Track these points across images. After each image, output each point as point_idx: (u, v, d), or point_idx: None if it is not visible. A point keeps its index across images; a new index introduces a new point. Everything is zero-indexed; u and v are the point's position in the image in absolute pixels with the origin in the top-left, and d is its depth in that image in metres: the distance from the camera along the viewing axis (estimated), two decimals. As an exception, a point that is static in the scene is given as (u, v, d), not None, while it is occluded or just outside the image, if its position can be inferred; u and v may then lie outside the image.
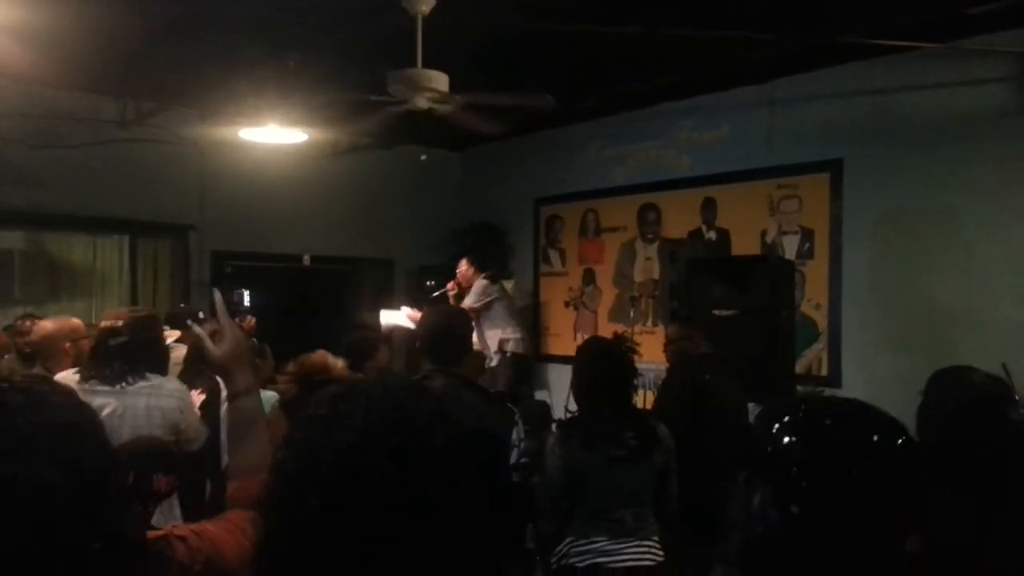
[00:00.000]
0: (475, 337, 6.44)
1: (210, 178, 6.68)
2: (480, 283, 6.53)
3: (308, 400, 2.24)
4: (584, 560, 2.68)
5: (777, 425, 1.17)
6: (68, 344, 3.53)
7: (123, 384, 2.89)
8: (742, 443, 2.67)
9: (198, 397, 3.36)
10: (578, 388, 2.89)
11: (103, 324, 3.20)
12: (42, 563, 0.94)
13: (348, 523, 0.87)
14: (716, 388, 3.73)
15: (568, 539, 2.71)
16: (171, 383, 3.15)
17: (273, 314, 7.47)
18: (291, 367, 2.41)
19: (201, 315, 4.48)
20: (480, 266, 6.65)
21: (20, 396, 1.00)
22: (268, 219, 7.02)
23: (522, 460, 2.67)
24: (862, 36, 4.43)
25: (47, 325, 3.68)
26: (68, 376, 2.99)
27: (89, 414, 1.09)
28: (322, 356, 2.40)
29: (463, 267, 6.63)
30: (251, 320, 5.00)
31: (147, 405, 2.91)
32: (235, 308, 6.61)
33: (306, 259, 7.59)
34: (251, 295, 7.57)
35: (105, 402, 2.81)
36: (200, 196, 6.73)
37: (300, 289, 7.83)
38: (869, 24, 4.51)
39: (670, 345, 4.31)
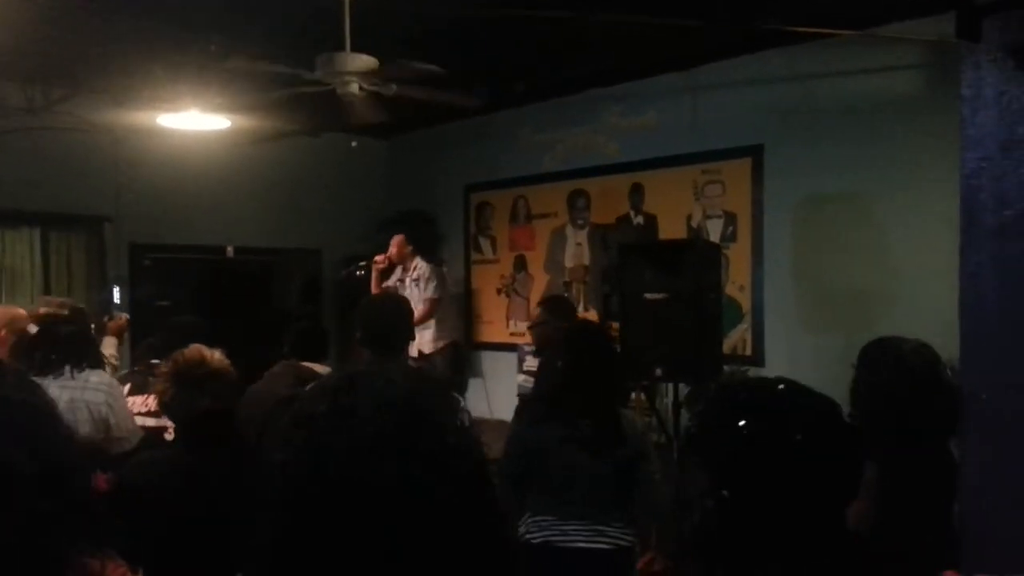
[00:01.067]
0: (432, 330, 6.40)
1: (126, 167, 6.41)
2: (436, 271, 6.47)
3: (187, 398, 2.18)
4: (536, 537, 2.70)
5: (706, 409, 1.19)
6: (4, 332, 3.42)
7: (52, 376, 2.76)
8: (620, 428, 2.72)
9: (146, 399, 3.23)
10: (549, 367, 2.89)
11: (43, 311, 3.06)
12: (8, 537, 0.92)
13: (357, 527, 0.83)
14: None
15: (527, 513, 2.72)
16: (97, 375, 3.02)
17: (196, 309, 7.25)
18: (164, 366, 2.28)
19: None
20: (417, 246, 6.56)
21: None
22: (189, 210, 6.79)
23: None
24: (781, 23, 4.56)
25: None
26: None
27: (43, 395, 1.08)
28: (197, 350, 2.26)
29: (398, 245, 6.47)
30: (123, 318, 4.70)
31: (71, 398, 2.77)
32: (105, 306, 6.35)
33: (229, 250, 7.38)
34: (171, 289, 7.31)
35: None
36: (116, 186, 6.46)
37: (224, 282, 7.60)
38: (788, 11, 4.65)
39: (531, 329, 4.37)
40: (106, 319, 4.61)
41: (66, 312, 3.10)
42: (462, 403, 2.71)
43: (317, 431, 0.89)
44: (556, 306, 4.74)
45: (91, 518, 1.04)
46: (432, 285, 6.38)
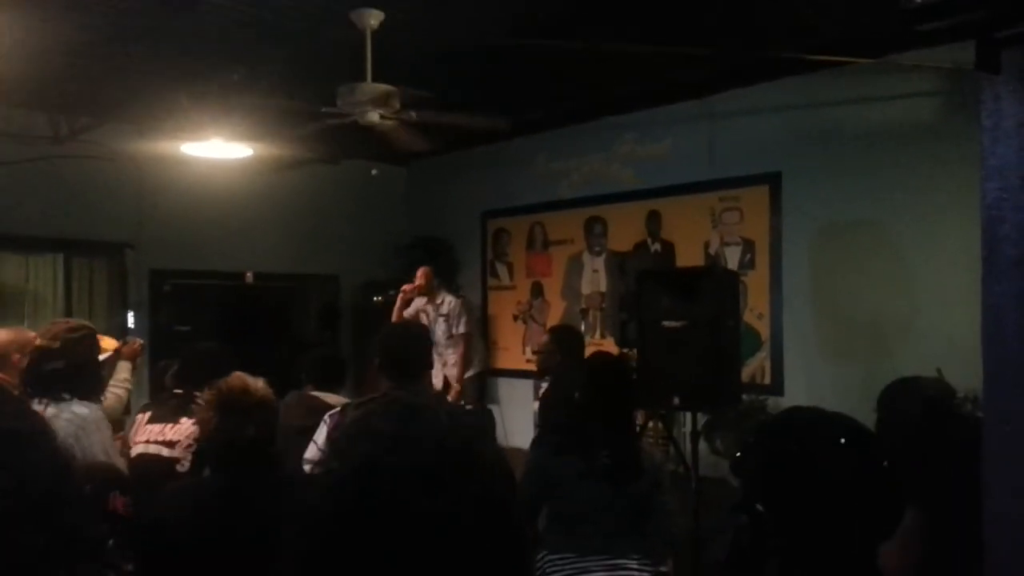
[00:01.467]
0: (456, 361, 6.42)
1: (149, 194, 6.51)
2: (465, 304, 6.54)
3: (232, 427, 2.16)
4: (556, 574, 2.67)
5: (754, 435, 1.20)
6: (17, 356, 3.42)
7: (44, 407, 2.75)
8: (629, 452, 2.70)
9: (190, 427, 3.16)
10: (564, 399, 2.89)
11: (38, 342, 3.00)
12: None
13: (398, 551, 0.82)
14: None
15: (543, 552, 2.69)
16: (76, 406, 2.87)
17: (215, 334, 7.30)
18: (207, 394, 2.24)
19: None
20: (443, 279, 6.65)
21: None
22: (209, 236, 6.88)
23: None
24: (798, 51, 4.58)
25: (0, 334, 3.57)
26: None
27: (40, 423, 1.06)
28: (240, 378, 2.24)
29: (426, 277, 6.48)
30: (136, 342, 4.73)
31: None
32: (120, 331, 6.40)
33: (249, 276, 7.45)
34: (191, 314, 7.37)
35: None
36: (138, 213, 6.55)
37: (243, 307, 7.66)
38: (805, 39, 4.67)
39: (537, 355, 4.38)
40: (120, 344, 4.65)
41: (56, 345, 3.00)
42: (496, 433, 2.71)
43: (380, 449, 0.88)
44: (562, 337, 4.72)
45: (91, 547, 1.03)
46: (463, 320, 6.46)
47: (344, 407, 2.91)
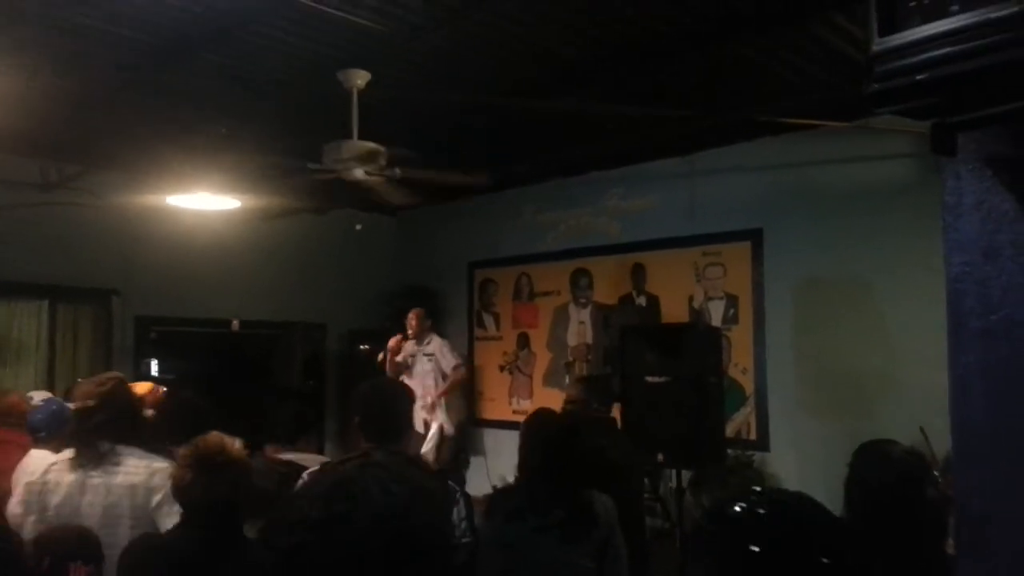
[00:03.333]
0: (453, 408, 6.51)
1: (135, 242, 6.52)
2: (445, 342, 6.61)
3: (204, 485, 2.15)
4: None
5: (712, 508, 1.20)
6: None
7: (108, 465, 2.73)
8: (638, 508, 2.68)
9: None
10: (519, 459, 2.86)
11: (75, 406, 2.99)
12: None
13: None
14: (611, 452, 3.76)
15: None
16: (132, 459, 2.80)
17: (200, 382, 7.25)
18: (183, 451, 2.26)
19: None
20: (433, 320, 6.76)
21: None
22: (196, 283, 6.87)
23: (464, 540, 2.60)
24: (776, 114, 4.68)
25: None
26: (62, 458, 2.82)
27: None
28: (217, 437, 2.26)
29: (418, 318, 6.66)
30: (159, 390, 4.73)
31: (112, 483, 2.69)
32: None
33: (235, 324, 7.42)
34: (176, 363, 7.33)
35: (98, 483, 2.69)
36: (124, 260, 6.55)
37: (229, 355, 7.64)
38: (783, 102, 4.78)
39: (567, 406, 4.36)
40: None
41: (92, 403, 2.98)
42: (457, 493, 2.67)
43: (308, 538, 0.88)
44: (595, 385, 4.70)
45: None
46: (454, 354, 6.64)
47: (323, 465, 2.87)
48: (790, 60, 4.27)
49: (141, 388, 3.87)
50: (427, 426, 6.40)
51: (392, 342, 6.57)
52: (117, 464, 2.75)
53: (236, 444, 2.27)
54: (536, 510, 2.61)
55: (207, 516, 2.15)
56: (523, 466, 2.82)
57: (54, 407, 3.71)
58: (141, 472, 2.72)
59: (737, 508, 1.23)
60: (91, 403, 2.89)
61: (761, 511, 1.22)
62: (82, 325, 6.61)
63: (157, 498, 2.67)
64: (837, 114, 4.77)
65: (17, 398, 4.32)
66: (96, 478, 2.72)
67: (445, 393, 6.57)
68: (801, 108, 4.68)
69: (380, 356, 6.68)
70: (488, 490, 6.67)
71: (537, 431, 2.82)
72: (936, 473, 2.34)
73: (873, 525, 1.90)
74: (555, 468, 2.66)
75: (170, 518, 2.53)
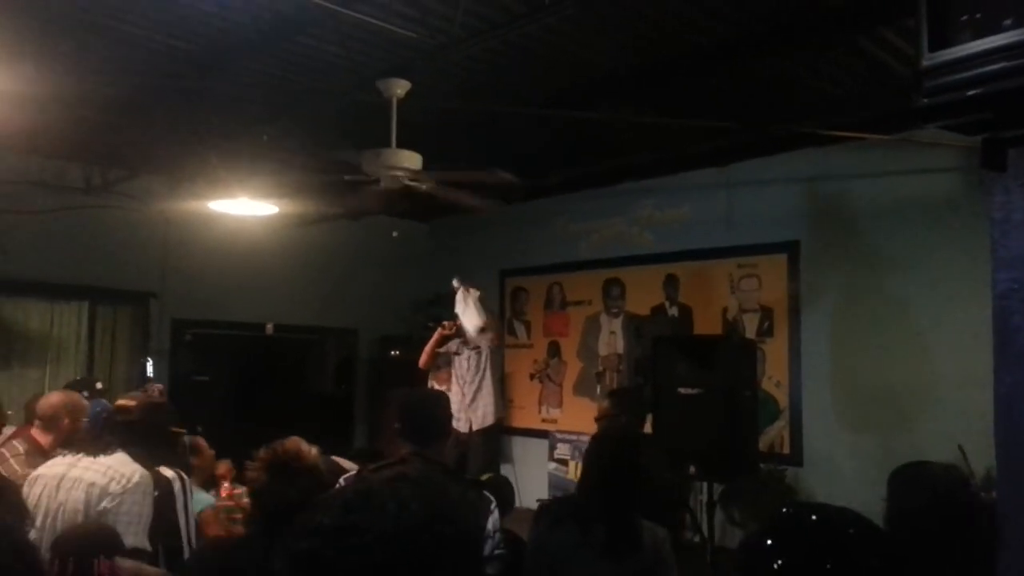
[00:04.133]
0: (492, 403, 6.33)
1: (174, 246, 6.64)
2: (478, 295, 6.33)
3: (278, 490, 2.17)
4: None
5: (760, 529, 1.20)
6: (67, 421, 3.55)
7: (95, 456, 2.77)
8: (670, 522, 2.67)
9: None
10: (582, 471, 2.87)
11: (118, 403, 3.06)
12: None
13: None
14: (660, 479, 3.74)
15: None
16: (119, 464, 2.79)
17: (233, 384, 7.36)
18: (262, 453, 2.28)
19: (99, 386, 4.41)
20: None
21: None
22: (231, 287, 6.97)
23: (497, 551, 2.60)
24: (813, 126, 4.64)
25: (55, 397, 3.72)
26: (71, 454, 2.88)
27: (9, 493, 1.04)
28: (295, 443, 2.28)
29: (457, 325, 6.39)
30: (156, 388, 4.83)
31: (77, 477, 2.69)
32: (140, 378, 6.49)
33: (269, 328, 7.51)
34: (211, 365, 7.43)
35: (75, 476, 2.71)
36: (163, 263, 6.68)
37: (262, 359, 7.73)
38: (824, 114, 4.74)
39: (599, 421, 4.35)
40: (141, 391, 4.76)
41: (133, 403, 3.04)
42: (492, 504, 2.67)
43: (317, 545, 0.88)
44: (623, 399, 4.69)
45: None
46: (485, 315, 6.23)
47: (360, 470, 2.91)
48: (831, 73, 4.24)
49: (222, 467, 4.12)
50: (468, 430, 6.30)
51: (447, 323, 6.30)
52: (96, 462, 2.76)
53: (313, 451, 2.29)
54: (580, 524, 2.60)
55: (276, 522, 2.16)
56: (583, 478, 2.82)
57: (98, 409, 3.80)
58: (105, 473, 2.70)
59: (783, 521, 1.22)
60: (131, 404, 2.95)
61: (810, 522, 1.21)
62: (120, 326, 6.75)
63: (105, 503, 2.64)
64: (877, 127, 4.71)
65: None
66: (76, 471, 2.74)
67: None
68: (841, 121, 4.64)
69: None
70: (516, 500, 6.69)
71: (599, 445, 2.83)
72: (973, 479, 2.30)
73: (920, 550, 1.87)
74: (608, 485, 2.65)
75: (120, 527, 2.52)
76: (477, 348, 6.38)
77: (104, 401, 4.43)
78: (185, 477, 2.96)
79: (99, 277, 6.41)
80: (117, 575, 2.21)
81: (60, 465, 2.81)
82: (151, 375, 6.77)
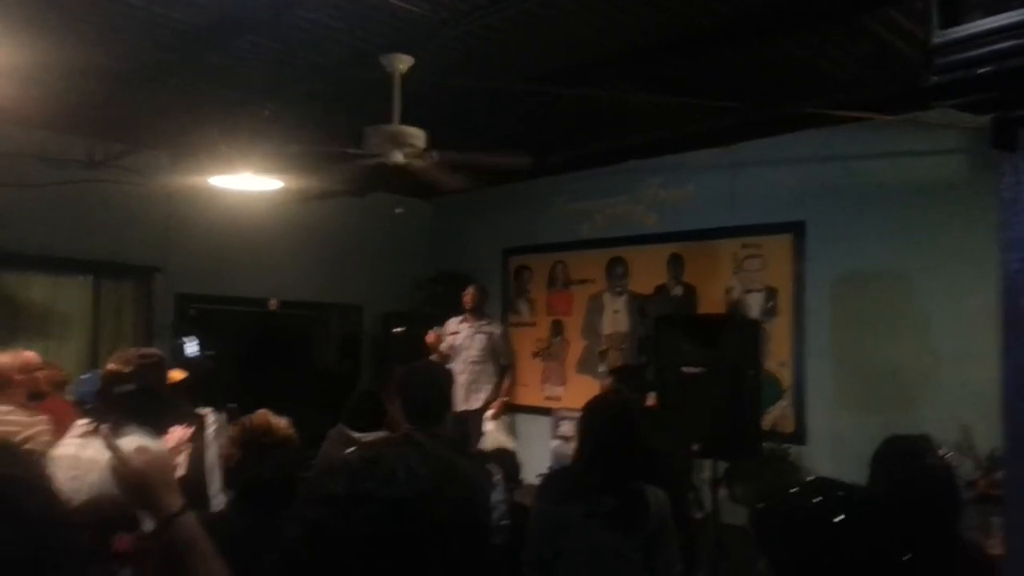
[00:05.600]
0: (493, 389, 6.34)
1: (178, 221, 6.63)
2: (506, 331, 6.54)
3: (253, 464, 2.18)
4: None
5: (783, 508, 1.20)
6: (20, 376, 3.54)
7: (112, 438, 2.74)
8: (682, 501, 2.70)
9: (184, 431, 3.19)
10: (577, 442, 2.86)
11: (109, 367, 2.97)
12: None
13: None
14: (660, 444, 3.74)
15: None
16: (139, 439, 2.78)
17: (236, 359, 7.37)
18: (233, 430, 2.32)
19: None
20: (483, 298, 6.67)
21: None
22: (235, 263, 6.97)
23: (502, 522, 2.62)
24: (818, 107, 4.59)
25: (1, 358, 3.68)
26: (77, 426, 2.86)
27: (36, 468, 1.04)
28: (263, 416, 2.29)
29: (472, 296, 6.57)
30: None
31: (92, 458, 2.61)
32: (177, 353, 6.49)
33: (273, 303, 7.52)
34: (214, 340, 7.44)
35: (88, 458, 2.68)
36: (166, 238, 6.67)
37: (266, 334, 7.74)
38: (828, 94, 4.69)
39: None
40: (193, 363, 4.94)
41: (128, 369, 2.94)
42: (495, 476, 2.69)
43: (327, 514, 0.90)
44: (625, 376, 4.68)
45: None
46: (508, 350, 6.52)
47: (371, 443, 2.92)
48: (837, 55, 4.18)
49: (175, 375, 3.96)
50: (468, 411, 6.31)
51: (431, 336, 6.43)
52: (113, 443, 2.73)
53: (283, 423, 2.30)
54: (587, 495, 2.60)
55: (255, 495, 2.19)
56: (579, 449, 2.81)
57: (88, 380, 3.83)
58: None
59: (791, 497, 1.23)
60: (125, 370, 2.86)
61: (816, 499, 1.22)
62: (125, 301, 6.75)
63: None
64: (884, 108, 4.66)
65: (53, 370, 4.49)
66: (90, 452, 2.69)
67: (501, 405, 6.33)
68: (846, 102, 4.59)
69: (430, 335, 6.50)
70: (521, 475, 6.73)
71: (594, 415, 2.81)
72: (978, 471, 2.32)
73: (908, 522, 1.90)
74: (608, 454, 2.65)
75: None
76: (489, 333, 6.41)
77: (95, 372, 4.42)
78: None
79: (103, 251, 6.41)
80: (136, 550, 2.22)
81: (71, 445, 2.80)
82: (195, 351, 6.70)
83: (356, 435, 3.49)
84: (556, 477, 2.90)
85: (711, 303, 6.13)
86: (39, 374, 3.87)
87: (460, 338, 6.52)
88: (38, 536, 0.92)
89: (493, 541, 2.58)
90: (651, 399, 4.70)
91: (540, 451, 6.98)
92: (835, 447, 5.37)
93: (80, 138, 6.23)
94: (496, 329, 6.42)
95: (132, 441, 2.73)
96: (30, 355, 3.77)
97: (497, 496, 2.62)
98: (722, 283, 6.12)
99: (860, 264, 5.38)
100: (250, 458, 2.20)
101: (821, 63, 4.26)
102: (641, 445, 2.75)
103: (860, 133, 5.14)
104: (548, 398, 7.25)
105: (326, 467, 2.17)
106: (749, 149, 5.86)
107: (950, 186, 4.92)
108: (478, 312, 6.50)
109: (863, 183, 5.35)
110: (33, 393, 3.65)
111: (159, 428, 2.93)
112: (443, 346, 6.51)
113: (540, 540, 2.64)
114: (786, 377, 5.72)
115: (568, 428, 7.05)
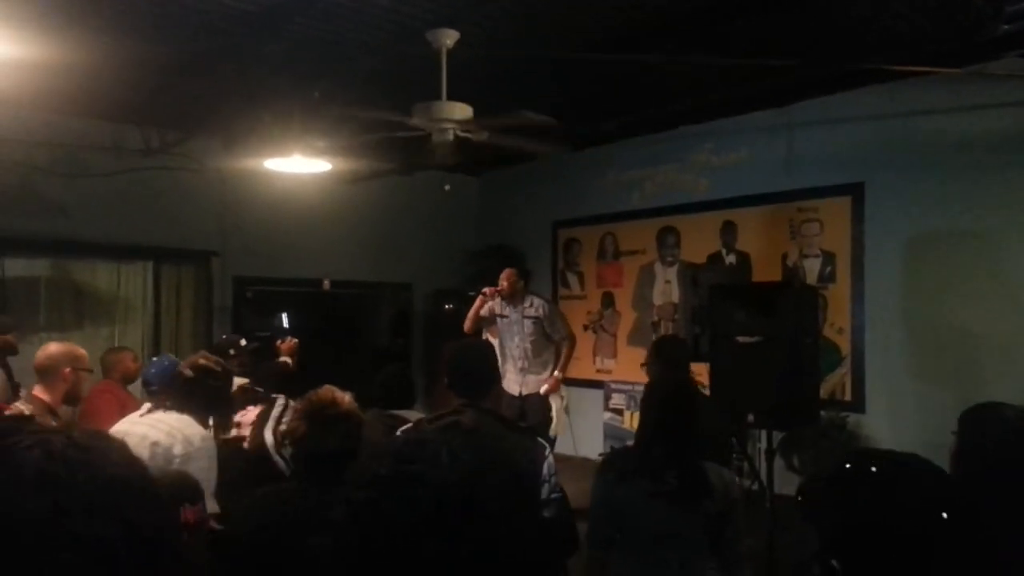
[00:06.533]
0: (554, 362, 6.13)
1: (232, 205, 6.76)
2: (556, 309, 6.13)
3: (317, 436, 2.23)
4: None
5: (828, 477, 1.17)
6: (67, 370, 3.47)
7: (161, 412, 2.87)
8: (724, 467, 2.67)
9: (253, 411, 3.37)
10: (639, 421, 2.88)
11: (201, 362, 3.04)
12: None
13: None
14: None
15: None
16: (184, 425, 2.85)
17: (293, 338, 7.50)
18: (298, 403, 2.38)
19: (243, 343, 4.57)
20: (525, 280, 6.27)
21: (81, 453, 1.00)
22: (289, 245, 7.09)
23: (553, 495, 2.63)
24: (879, 62, 4.43)
25: (52, 347, 3.62)
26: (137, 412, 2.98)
27: (141, 469, 1.07)
28: (329, 391, 2.35)
29: (509, 280, 5.95)
30: (292, 341, 5.25)
31: (143, 435, 2.76)
32: (277, 330, 6.86)
33: (326, 284, 7.64)
34: (271, 321, 7.60)
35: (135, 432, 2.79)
36: (222, 223, 6.81)
37: (320, 314, 7.88)
38: (886, 50, 4.52)
39: (643, 367, 4.30)
40: (279, 342, 5.27)
41: (219, 368, 3.04)
42: (547, 449, 2.70)
43: (375, 496, 0.93)
44: (661, 347, 4.59)
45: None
46: (562, 323, 6.03)
47: (418, 422, 2.95)
48: (898, 7, 4.02)
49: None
50: (520, 394, 6.09)
51: (487, 289, 5.99)
52: (160, 420, 2.83)
53: (347, 398, 2.35)
54: (650, 474, 2.60)
55: (319, 467, 2.23)
56: (641, 428, 2.83)
57: (166, 363, 3.91)
58: (170, 434, 2.77)
59: (848, 466, 1.20)
60: (218, 368, 3.02)
61: (874, 469, 1.19)
62: (184, 285, 6.92)
63: (177, 461, 2.69)
64: (946, 62, 4.48)
65: (125, 356, 4.59)
66: (140, 427, 2.81)
67: (557, 382, 5.93)
68: (908, 55, 4.42)
69: (486, 290, 6.07)
70: (571, 449, 6.73)
71: (654, 393, 2.83)
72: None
73: (991, 488, 1.81)
74: (669, 432, 2.65)
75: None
76: (535, 318, 6.03)
77: (170, 356, 4.60)
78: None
79: (162, 237, 6.57)
80: (205, 522, 2.29)
81: (125, 423, 2.90)
82: (287, 326, 7.18)
83: (396, 412, 3.49)
84: (618, 456, 2.91)
85: (766, 270, 6.02)
86: (83, 373, 3.64)
87: (510, 323, 6.19)
88: (148, 537, 0.95)
89: (544, 515, 2.60)
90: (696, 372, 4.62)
91: (593, 424, 6.99)
92: (895, 415, 5.25)
93: (136, 127, 6.38)
94: (541, 312, 6.04)
95: (173, 419, 2.84)
96: (81, 352, 3.64)
97: (547, 469, 2.63)
98: (778, 249, 6.00)
99: (924, 225, 5.21)
100: (315, 430, 2.25)
101: (883, 17, 4.10)
102: (699, 424, 2.74)
103: (920, 89, 4.95)
104: (599, 371, 7.24)
105: (372, 450, 2.20)
106: (805, 109, 5.71)
107: (1015, 139, 4.72)
108: (518, 296, 6.13)
109: (926, 141, 5.17)
110: (70, 396, 3.54)
111: (210, 414, 3.08)
112: (483, 311, 6.05)
113: (603, 519, 2.65)
114: (845, 344, 5.60)
115: (620, 400, 7.03)
